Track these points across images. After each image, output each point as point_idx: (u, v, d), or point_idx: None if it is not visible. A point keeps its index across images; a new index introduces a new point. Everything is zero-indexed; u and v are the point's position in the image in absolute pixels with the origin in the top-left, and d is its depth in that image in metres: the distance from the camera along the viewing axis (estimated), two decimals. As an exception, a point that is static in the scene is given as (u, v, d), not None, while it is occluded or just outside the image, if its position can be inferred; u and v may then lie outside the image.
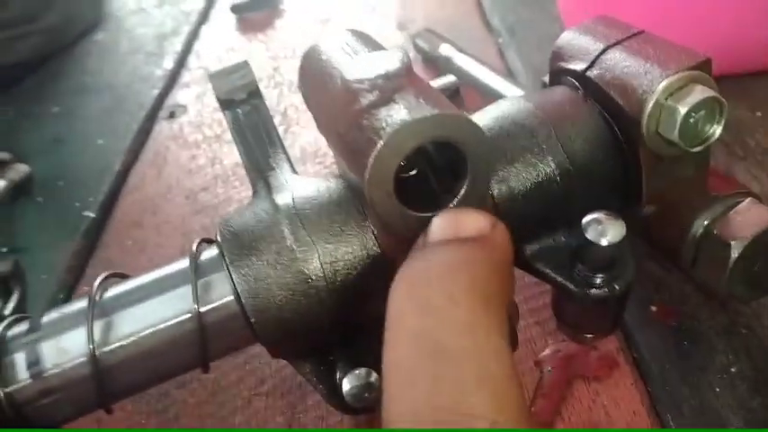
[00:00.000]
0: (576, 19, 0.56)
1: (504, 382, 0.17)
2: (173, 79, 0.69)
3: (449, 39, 0.56)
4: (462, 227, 0.21)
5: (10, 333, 0.27)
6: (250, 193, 0.50)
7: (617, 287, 0.26)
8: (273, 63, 0.67)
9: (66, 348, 0.26)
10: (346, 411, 0.29)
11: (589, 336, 0.28)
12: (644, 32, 0.29)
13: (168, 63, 0.71)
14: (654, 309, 0.34)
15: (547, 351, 0.33)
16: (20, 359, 0.27)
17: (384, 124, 0.23)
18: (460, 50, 0.52)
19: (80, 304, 0.27)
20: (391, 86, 0.25)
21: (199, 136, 0.58)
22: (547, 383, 0.32)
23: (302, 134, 0.55)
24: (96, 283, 0.27)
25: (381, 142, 0.23)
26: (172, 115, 0.62)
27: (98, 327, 0.26)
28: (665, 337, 0.33)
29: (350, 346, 0.28)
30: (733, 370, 0.31)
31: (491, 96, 0.46)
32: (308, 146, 0.54)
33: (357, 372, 0.27)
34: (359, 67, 0.26)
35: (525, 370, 0.33)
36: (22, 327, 0.28)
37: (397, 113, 0.23)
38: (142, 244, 0.47)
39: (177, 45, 0.75)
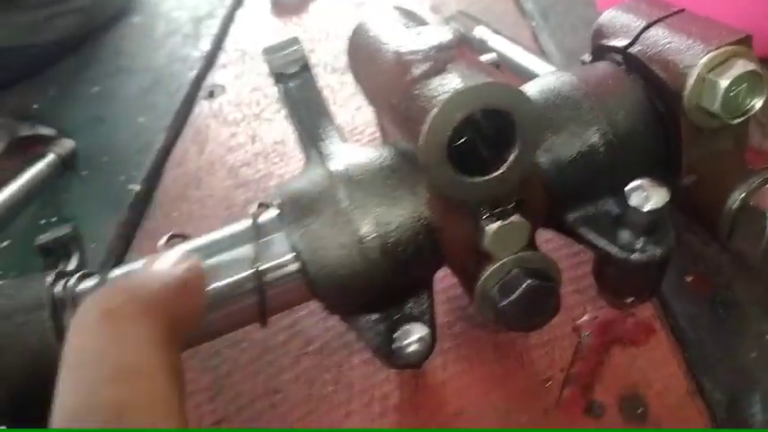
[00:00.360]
0: (609, 1, 0.57)
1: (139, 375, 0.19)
2: (210, 60, 0.70)
3: (483, 21, 0.57)
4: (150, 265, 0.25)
5: (81, 286, 0.29)
6: (290, 168, 0.52)
7: (658, 252, 0.27)
8: (309, 45, 0.69)
9: (135, 301, 0.28)
10: (394, 366, 0.30)
11: (629, 300, 0.30)
12: (684, 11, 0.30)
13: (205, 45, 0.73)
14: (689, 279, 0.35)
15: (585, 317, 0.35)
16: (91, 311, 0.28)
17: (437, 93, 0.25)
18: (496, 32, 0.53)
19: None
20: (443, 57, 0.26)
21: (238, 114, 0.60)
22: (585, 348, 0.33)
23: (339, 113, 0.57)
24: (162, 241, 0.29)
25: (436, 109, 0.24)
26: (211, 95, 0.64)
27: (165, 282, 0.28)
28: (700, 306, 0.34)
29: (400, 304, 0.29)
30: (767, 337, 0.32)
31: (526, 76, 0.48)
32: (344, 124, 0.55)
33: (407, 327, 0.29)
34: (412, 40, 0.27)
35: (564, 334, 0.34)
36: (92, 281, 0.29)
37: (451, 82, 0.25)
38: (187, 216, 0.49)
39: (213, 28, 0.76)
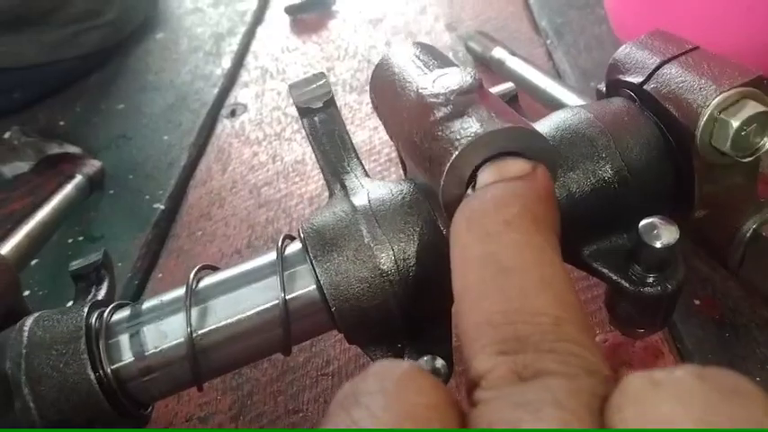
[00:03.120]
0: (623, 21, 0.58)
1: (562, 287, 0.19)
2: (232, 78, 0.72)
3: (500, 41, 0.58)
4: (506, 170, 0.23)
5: (114, 318, 0.31)
6: (309, 188, 0.53)
7: (669, 286, 0.28)
8: (327, 63, 0.70)
9: (165, 332, 0.30)
10: (412, 395, 0.31)
11: (640, 331, 0.31)
12: (698, 48, 0.31)
13: (226, 62, 0.75)
14: (697, 302, 0.36)
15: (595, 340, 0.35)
16: (124, 341, 0.30)
17: (458, 136, 0.26)
18: (513, 53, 0.54)
19: (177, 293, 0.30)
20: (464, 101, 0.27)
21: (260, 134, 0.61)
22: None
23: (357, 133, 0.58)
24: (192, 274, 0.30)
25: (456, 153, 0.25)
26: (233, 113, 0.66)
27: (194, 312, 0.29)
28: (707, 329, 0.35)
29: (418, 335, 0.30)
30: (773, 362, 0.33)
31: (542, 99, 0.48)
32: (362, 144, 0.56)
33: (425, 358, 0.30)
34: (433, 83, 0.28)
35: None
36: (125, 312, 0.31)
37: (471, 126, 0.26)
38: (211, 235, 0.51)
39: (234, 45, 0.78)
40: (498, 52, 0.56)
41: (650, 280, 0.28)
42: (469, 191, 0.25)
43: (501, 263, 0.19)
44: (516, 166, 0.23)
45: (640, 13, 0.54)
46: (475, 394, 0.17)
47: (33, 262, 0.52)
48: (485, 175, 0.23)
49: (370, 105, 0.62)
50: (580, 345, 0.17)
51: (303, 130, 0.59)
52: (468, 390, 0.18)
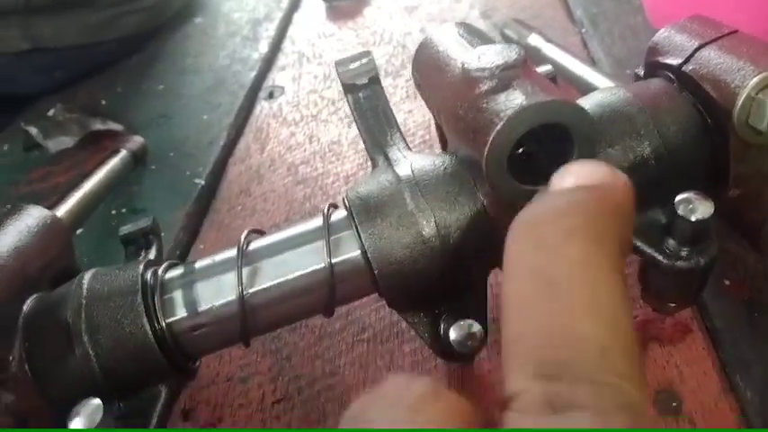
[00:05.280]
0: (659, 10, 0.59)
1: (615, 312, 0.18)
2: (269, 62, 0.74)
3: (535, 28, 0.59)
4: (581, 176, 0.21)
5: (168, 275, 0.32)
6: (345, 167, 0.55)
7: (702, 260, 0.29)
8: (363, 49, 0.71)
9: (217, 290, 0.31)
10: (446, 358, 0.33)
11: (672, 305, 0.32)
12: (737, 32, 0.32)
13: (263, 47, 0.76)
14: (727, 282, 0.37)
15: (627, 316, 0.36)
16: (178, 297, 0.31)
17: (504, 107, 0.27)
18: (549, 41, 0.55)
19: (228, 254, 0.32)
20: (509, 75, 0.28)
21: (297, 115, 0.63)
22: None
23: (392, 116, 0.59)
24: (243, 236, 0.32)
25: (501, 123, 0.26)
26: (271, 95, 0.67)
27: (245, 272, 0.31)
28: (736, 308, 0.35)
29: (456, 301, 0.32)
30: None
31: (579, 85, 0.49)
32: (397, 127, 0.58)
33: (462, 322, 0.31)
34: (479, 58, 0.29)
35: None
36: (178, 270, 0.33)
37: (516, 99, 0.27)
38: (251, 210, 0.52)
39: (271, 30, 0.80)
40: (534, 39, 0.57)
41: (684, 254, 0.29)
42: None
43: (553, 278, 0.18)
44: (591, 170, 0.21)
45: (677, 3, 0.54)
46: (504, 413, 0.16)
47: (78, 232, 0.54)
48: (560, 178, 0.21)
49: (405, 90, 0.64)
50: (623, 377, 0.16)
51: (338, 113, 0.62)
52: (499, 405, 0.17)
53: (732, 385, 0.33)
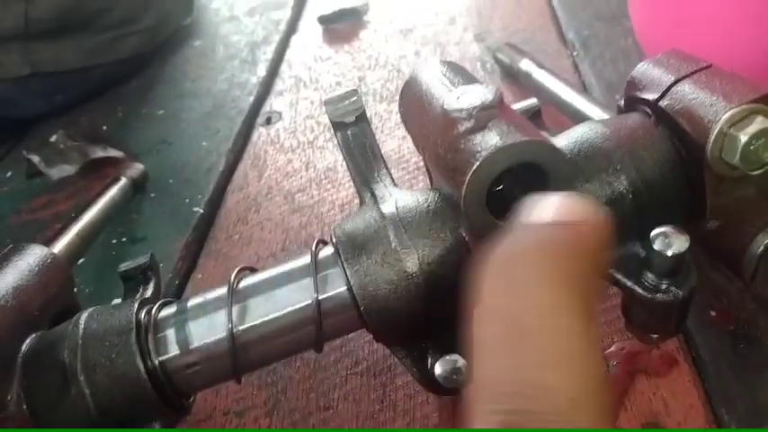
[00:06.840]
0: (649, 34, 0.59)
1: (585, 362, 0.17)
2: (267, 87, 0.75)
3: (528, 53, 0.60)
4: (559, 211, 0.20)
5: (161, 314, 0.33)
6: (340, 195, 0.56)
7: (681, 292, 0.29)
8: (358, 73, 0.73)
9: (209, 327, 0.32)
10: (434, 391, 0.33)
11: (655, 336, 0.32)
12: (711, 66, 0.33)
13: (261, 70, 0.78)
14: (713, 313, 0.37)
15: (613, 348, 0.37)
16: (170, 335, 0.32)
17: (479, 148, 0.28)
18: (540, 66, 0.56)
19: (219, 292, 0.33)
20: (485, 116, 0.29)
21: (294, 141, 0.64)
22: (612, 376, 0.36)
23: (387, 141, 0.60)
24: (233, 274, 0.33)
25: (477, 164, 0.27)
26: (268, 121, 0.69)
27: (235, 310, 0.32)
28: (722, 340, 0.36)
29: (441, 335, 0.32)
30: (787, 373, 0.34)
31: (568, 111, 0.50)
32: (392, 153, 0.59)
33: (448, 357, 0.32)
34: (458, 98, 0.30)
35: (594, 363, 0.36)
36: (171, 309, 0.33)
37: (491, 140, 0.28)
38: (248, 238, 0.53)
39: (269, 53, 0.81)
40: (526, 64, 0.57)
41: (663, 287, 0.30)
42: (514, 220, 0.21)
43: (521, 323, 0.18)
44: (575, 208, 0.20)
45: (665, 26, 0.55)
46: None
47: (79, 261, 0.55)
48: (539, 209, 0.20)
49: (399, 115, 0.64)
50: (591, 428, 0.16)
51: (334, 140, 0.63)
52: None
53: (717, 419, 0.33)
